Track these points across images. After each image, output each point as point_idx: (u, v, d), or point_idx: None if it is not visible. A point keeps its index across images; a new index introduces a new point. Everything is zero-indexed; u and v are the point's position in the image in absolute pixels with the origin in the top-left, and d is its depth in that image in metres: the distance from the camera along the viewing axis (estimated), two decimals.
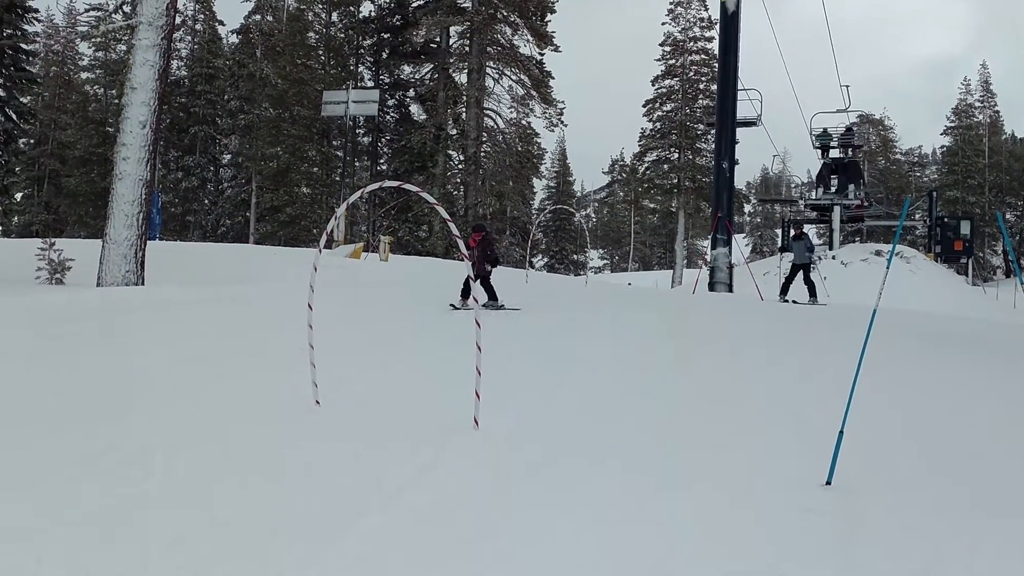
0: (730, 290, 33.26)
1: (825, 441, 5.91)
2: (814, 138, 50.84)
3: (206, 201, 62.68)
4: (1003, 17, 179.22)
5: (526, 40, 55.27)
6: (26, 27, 42.80)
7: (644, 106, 67.61)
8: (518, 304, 14.32)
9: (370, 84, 56.89)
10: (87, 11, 62.82)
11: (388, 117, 58.76)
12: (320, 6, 61.32)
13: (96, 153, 56.45)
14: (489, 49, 54.83)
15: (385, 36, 59.04)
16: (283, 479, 5.53)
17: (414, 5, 57.36)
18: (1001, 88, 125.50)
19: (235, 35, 65.02)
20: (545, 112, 56.30)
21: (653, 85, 67.46)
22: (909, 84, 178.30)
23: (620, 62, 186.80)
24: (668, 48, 66.91)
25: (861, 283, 32.51)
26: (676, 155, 65.94)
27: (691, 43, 66.51)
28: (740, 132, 38.63)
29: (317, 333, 7.19)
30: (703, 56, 65.62)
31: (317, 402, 7.13)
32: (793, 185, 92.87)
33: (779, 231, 72.97)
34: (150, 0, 15.22)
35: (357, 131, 58.24)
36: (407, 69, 59.03)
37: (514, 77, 55.94)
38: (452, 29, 55.56)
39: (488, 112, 55.90)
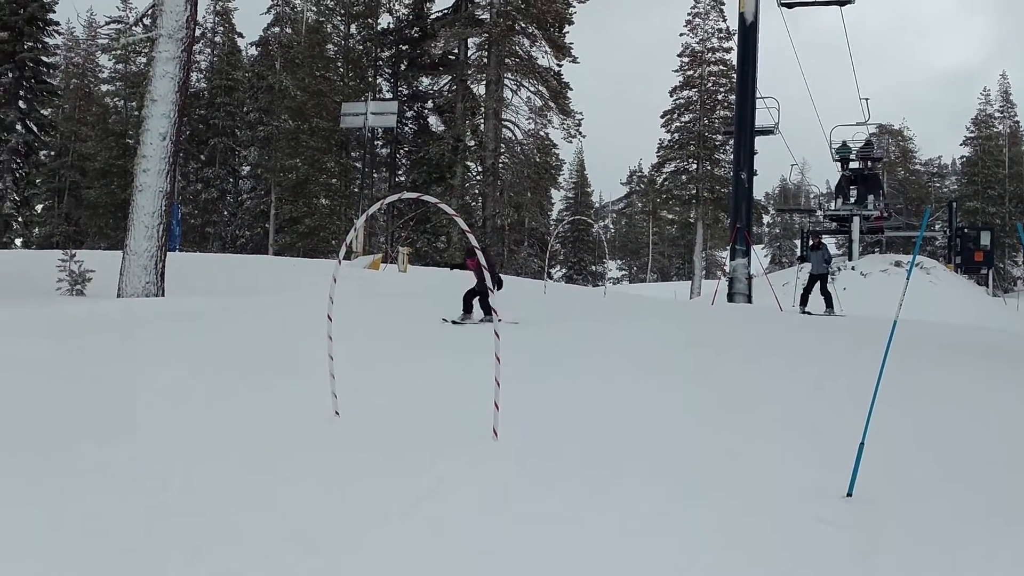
0: (749, 301, 33.15)
1: (841, 451, 5.89)
2: (833, 151, 50.74)
3: (225, 212, 62.94)
4: (1023, 28, 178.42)
5: (544, 51, 55.45)
6: (47, 40, 43.18)
7: (662, 117, 67.49)
8: (537, 316, 14.31)
9: (388, 96, 57.12)
10: (107, 24, 63.87)
11: (406, 129, 58.98)
12: (338, 18, 61.61)
13: (116, 165, 56.81)
14: (507, 60, 54.97)
15: (403, 48, 59.30)
16: (302, 489, 5.55)
17: (432, 17, 57.62)
18: (1021, 98, 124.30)
19: (254, 47, 65.46)
20: (563, 123, 56.44)
21: (671, 96, 67.37)
22: (928, 95, 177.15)
23: (638, 73, 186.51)
24: (686, 59, 66.80)
25: (881, 294, 32.40)
26: (694, 166, 65.78)
27: (709, 54, 66.39)
28: (758, 142, 38.58)
29: (336, 344, 7.21)
30: (721, 67, 65.49)
31: (336, 413, 7.15)
32: (811, 195, 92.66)
33: (798, 242, 72.72)
34: (170, 13, 15.31)
35: (376, 143, 58.46)
36: (425, 81, 59.30)
37: (532, 88, 56.08)
38: (470, 41, 55.72)
39: (506, 123, 56.04)
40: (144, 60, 55.34)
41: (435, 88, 59.03)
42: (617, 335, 13.26)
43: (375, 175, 59.45)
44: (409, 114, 58.58)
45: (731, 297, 33.68)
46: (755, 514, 5.30)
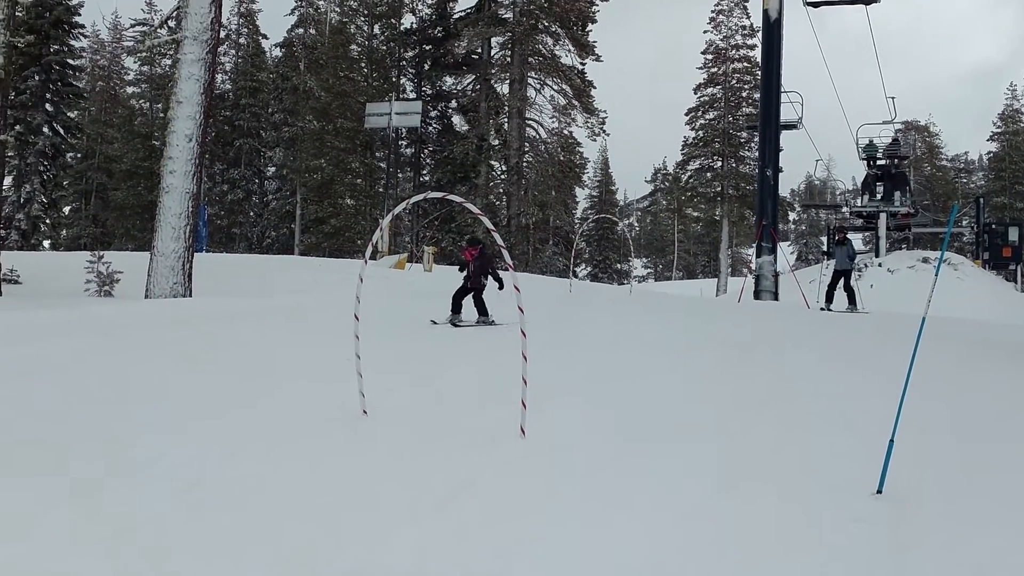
0: (776, 298, 33.00)
1: (872, 447, 5.86)
2: (860, 149, 50.53)
3: (251, 213, 63.29)
4: None
5: (567, 50, 55.54)
6: (73, 43, 43.42)
7: (686, 114, 67.44)
8: (562, 314, 14.29)
9: (412, 96, 57.34)
10: (133, 26, 64.11)
11: (430, 128, 59.16)
12: (362, 19, 61.92)
13: (142, 166, 57.23)
14: (531, 59, 55.04)
15: (427, 48, 59.47)
16: (330, 487, 5.57)
17: (455, 17, 57.75)
18: None
19: (279, 48, 65.82)
20: (587, 121, 56.49)
21: (695, 93, 67.33)
22: (954, 90, 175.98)
23: (662, 71, 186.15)
24: (710, 56, 66.70)
25: (908, 290, 32.23)
26: (719, 163, 65.64)
27: (733, 51, 66.26)
28: (783, 138, 38.40)
29: (364, 343, 7.23)
30: (745, 64, 65.35)
31: (364, 412, 7.18)
32: (838, 192, 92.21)
33: (824, 238, 72.37)
34: (195, 15, 15.41)
35: (400, 142, 58.61)
36: (449, 80, 59.45)
37: (556, 87, 56.16)
38: (494, 40, 55.84)
39: (530, 122, 56.12)
40: (169, 62, 55.73)
41: (459, 88, 59.22)
42: (644, 331, 13.24)
43: (399, 175, 59.61)
44: (433, 114, 58.75)
45: (757, 294, 33.53)
46: (789, 507, 5.28)
